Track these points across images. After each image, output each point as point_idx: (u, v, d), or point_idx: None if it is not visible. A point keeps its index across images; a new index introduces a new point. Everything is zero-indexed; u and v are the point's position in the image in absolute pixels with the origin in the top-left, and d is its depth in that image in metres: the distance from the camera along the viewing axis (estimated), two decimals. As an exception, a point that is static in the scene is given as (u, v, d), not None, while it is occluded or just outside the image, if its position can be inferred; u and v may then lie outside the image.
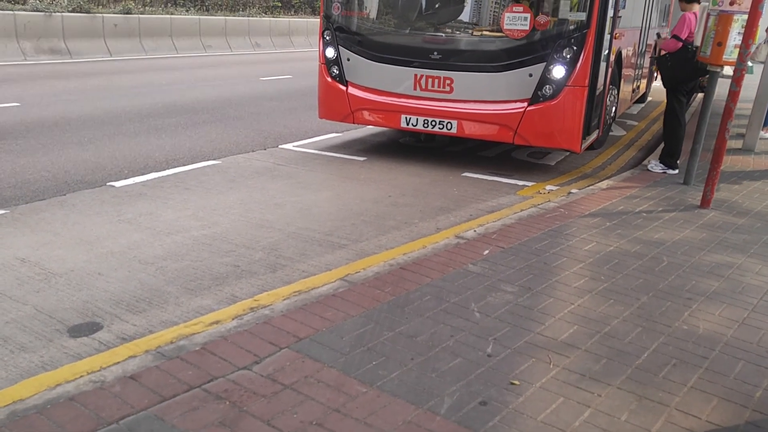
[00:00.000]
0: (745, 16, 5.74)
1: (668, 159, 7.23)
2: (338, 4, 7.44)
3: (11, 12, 14.65)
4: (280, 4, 25.42)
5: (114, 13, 17.18)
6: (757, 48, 9.22)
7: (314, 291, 3.76)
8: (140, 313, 3.63)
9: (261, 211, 5.49)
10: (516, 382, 2.90)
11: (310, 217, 5.38)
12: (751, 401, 2.87)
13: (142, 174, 6.36)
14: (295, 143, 8.11)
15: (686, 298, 3.92)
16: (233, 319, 3.44)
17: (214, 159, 7.07)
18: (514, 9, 6.59)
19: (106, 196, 5.66)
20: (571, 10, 6.52)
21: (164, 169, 6.56)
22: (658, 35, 10.80)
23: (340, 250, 4.71)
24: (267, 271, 4.26)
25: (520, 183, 6.83)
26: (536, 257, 4.41)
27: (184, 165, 6.76)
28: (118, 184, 6.02)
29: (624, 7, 8.12)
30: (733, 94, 5.55)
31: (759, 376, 3.08)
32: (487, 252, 4.46)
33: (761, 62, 8.93)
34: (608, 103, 8.12)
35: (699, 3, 7.20)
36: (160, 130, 8.27)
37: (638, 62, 10.82)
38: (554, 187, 6.69)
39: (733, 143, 8.99)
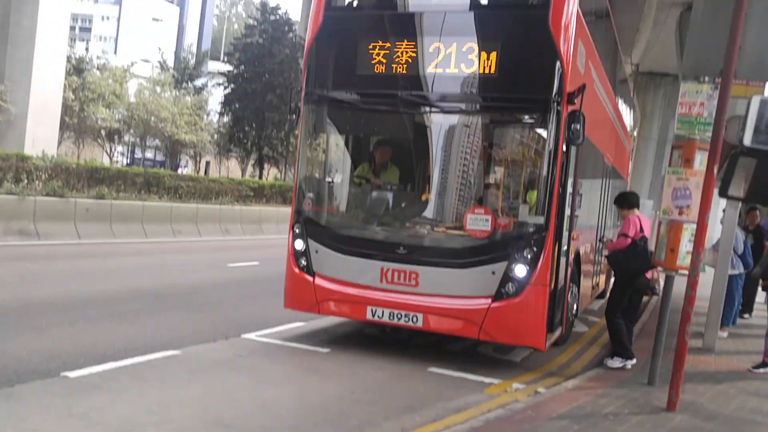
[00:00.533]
0: (694, 226, 6.08)
1: (622, 352, 7.39)
2: (309, 200, 7.73)
3: (-16, 194, 14.87)
4: (252, 194, 26.29)
5: (87, 198, 17.53)
6: (706, 252, 9.67)
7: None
8: None
9: (218, 407, 5.28)
10: None
11: (270, 415, 5.19)
12: None
13: (99, 363, 6.15)
14: (258, 332, 8.00)
15: None
16: None
17: (174, 349, 6.91)
18: (476, 211, 6.91)
19: (57, 388, 5.42)
20: (530, 214, 6.87)
21: (122, 359, 6.36)
22: (602, 240, 11.13)
23: (300, 451, 4.50)
24: (221, 476, 4.02)
25: (487, 380, 6.75)
26: (504, 463, 4.26)
27: (143, 354, 6.57)
28: (72, 374, 5.79)
29: (580, 207, 8.59)
30: (689, 298, 5.73)
31: None
32: (453, 457, 4.29)
33: (711, 266, 9.32)
34: (570, 300, 8.29)
35: (638, 207, 7.78)
36: (122, 316, 8.14)
37: (596, 259, 11.23)
38: (521, 386, 6.61)
39: (693, 342, 9.09)
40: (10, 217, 15.15)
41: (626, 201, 8.00)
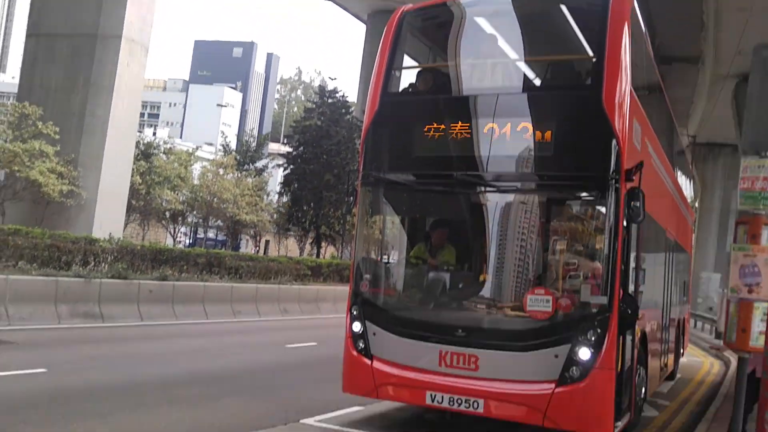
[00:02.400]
0: (766, 304, 5.84)
1: None
2: (366, 282, 7.74)
3: (54, 278, 15.42)
4: (310, 273, 26.53)
5: (150, 280, 17.98)
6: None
7: None
8: None
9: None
10: None
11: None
12: None
13: (159, 452, 6.17)
14: (317, 417, 7.91)
15: None
16: None
17: (233, 436, 6.89)
18: (536, 291, 6.79)
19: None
20: (592, 294, 6.70)
21: (181, 448, 6.37)
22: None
23: None
24: None
25: (552, 471, 6.46)
26: None
27: (202, 442, 6.57)
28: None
29: (644, 284, 8.34)
30: (766, 382, 5.43)
31: None
32: None
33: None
34: (637, 383, 7.96)
35: None
36: (182, 402, 8.19)
37: (664, 339, 10.81)
38: (589, 477, 6.30)
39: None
40: (76, 299, 15.61)
41: None
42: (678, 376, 13.49)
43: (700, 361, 17.13)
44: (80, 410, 7.39)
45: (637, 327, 7.70)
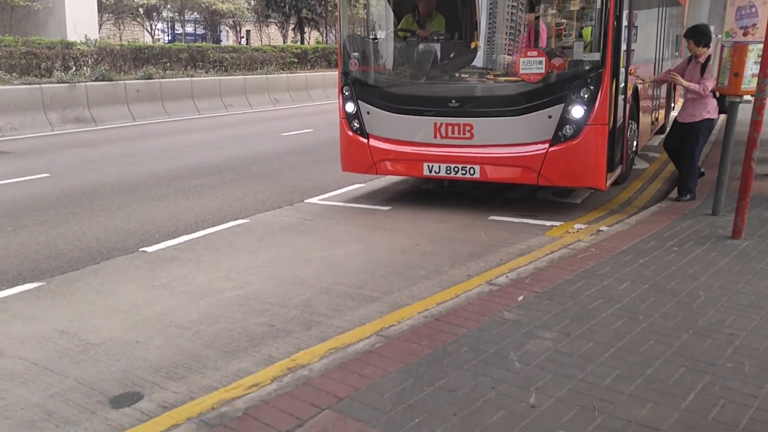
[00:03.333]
0: (761, 46, 5.76)
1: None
2: (355, 60, 7.59)
3: (38, 86, 15.12)
4: (296, 60, 25.95)
5: (136, 79, 17.65)
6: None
7: (350, 348, 3.75)
8: (180, 380, 3.64)
9: (291, 268, 5.53)
10: (562, 432, 2.86)
11: (340, 272, 5.41)
12: (806, 440, 2.79)
13: (173, 237, 6.45)
14: (320, 197, 8.19)
15: (728, 334, 3.85)
16: (272, 381, 3.44)
17: (242, 218, 7.16)
18: (528, 53, 6.67)
19: (139, 262, 5.74)
20: (585, 51, 6.59)
21: (194, 232, 6.65)
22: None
23: (372, 303, 4.72)
24: (302, 329, 4.28)
25: (548, 223, 6.81)
26: (572, 300, 4.38)
27: (213, 226, 6.85)
28: (150, 249, 6.11)
29: (636, 41, 8.19)
30: (756, 123, 5.53)
31: (812, 412, 3.00)
32: (521, 298, 4.43)
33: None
34: (629, 137, 8.12)
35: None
36: (187, 193, 8.41)
37: (655, 94, 10.84)
38: (583, 226, 6.66)
39: (758, 169, 8.89)
40: (64, 105, 15.46)
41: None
42: (668, 129, 13.71)
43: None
44: (88, 208, 7.62)
45: (629, 82, 7.69)
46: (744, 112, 6.90)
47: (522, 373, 3.38)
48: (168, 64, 20.70)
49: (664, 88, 11.78)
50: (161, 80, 18.03)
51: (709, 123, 7.28)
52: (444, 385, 3.27)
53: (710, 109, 7.13)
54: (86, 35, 20.42)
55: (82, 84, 15.99)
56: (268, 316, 4.49)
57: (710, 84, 6.90)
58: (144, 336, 4.24)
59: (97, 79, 16.66)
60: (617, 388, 3.22)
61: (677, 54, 14.21)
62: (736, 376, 3.34)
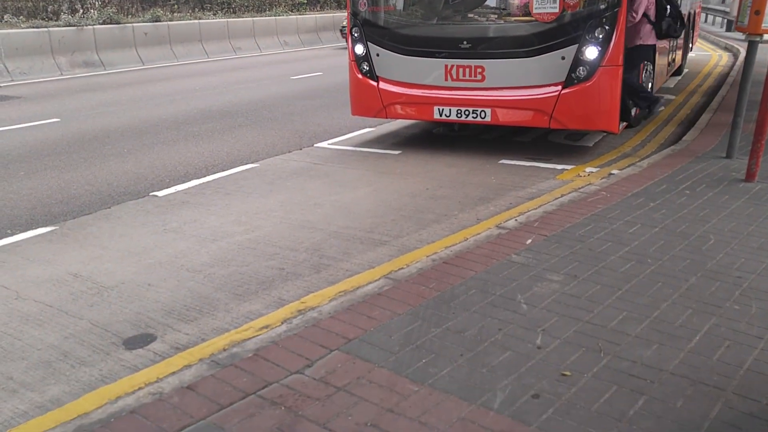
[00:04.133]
0: (783, -18, 5.59)
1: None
2: (365, 1, 7.44)
3: (45, 29, 14.98)
4: (305, 1, 25.49)
5: (143, 22, 17.46)
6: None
7: (359, 290, 3.79)
8: (192, 322, 3.70)
9: (301, 212, 5.54)
10: (567, 372, 2.89)
11: (349, 216, 5.42)
12: (810, 381, 2.82)
13: (183, 182, 6.47)
14: (330, 141, 8.15)
15: (736, 276, 3.85)
16: (282, 323, 3.49)
17: (251, 162, 7.16)
18: (542, -8, 6.50)
19: (149, 206, 5.78)
20: (600, -11, 6.41)
21: (204, 176, 6.66)
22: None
23: (381, 246, 4.74)
24: (312, 272, 4.31)
25: (559, 167, 6.76)
26: (580, 244, 4.38)
27: (223, 170, 6.86)
28: (160, 193, 6.14)
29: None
30: (774, 63, 5.40)
31: (817, 354, 3.02)
32: (530, 241, 4.44)
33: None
34: (644, 79, 7.98)
35: None
36: (197, 137, 8.40)
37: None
38: (594, 169, 6.61)
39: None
40: (73, 49, 15.36)
41: None
42: (685, 71, 13.47)
43: (708, 55, 16.98)
44: (99, 153, 7.64)
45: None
46: (763, 52, 6.76)
47: (529, 315, 3.41)
48: (176, 6, 20.42)
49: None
50: (169, 23, 17.82)
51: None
52: (451, 326, 3.31)
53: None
54: (92, -23, 20.11)
55: (90, 27, 15.84)
56: (278, 260, 4.53)
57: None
58: (156, 279, 4.30)
59: (104, 22, 16.49)
60: (623, 330, 3.24)
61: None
62: (742, 318, 3.35)
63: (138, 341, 3.52)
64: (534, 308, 3.48)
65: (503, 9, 7.34)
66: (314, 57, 18.72)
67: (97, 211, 5.69)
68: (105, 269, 4.48)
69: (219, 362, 3.06)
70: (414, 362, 2.99)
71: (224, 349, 3.23)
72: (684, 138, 7.49)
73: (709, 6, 26.33)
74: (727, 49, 18.31)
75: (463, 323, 3.34)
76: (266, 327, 3.52)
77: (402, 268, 4.14)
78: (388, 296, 3.65)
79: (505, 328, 3.28)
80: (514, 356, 3.03)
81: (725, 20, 23.76)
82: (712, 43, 20.27)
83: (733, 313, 3.41)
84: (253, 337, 3.35)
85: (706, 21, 26.30)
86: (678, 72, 12.78)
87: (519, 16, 7.01)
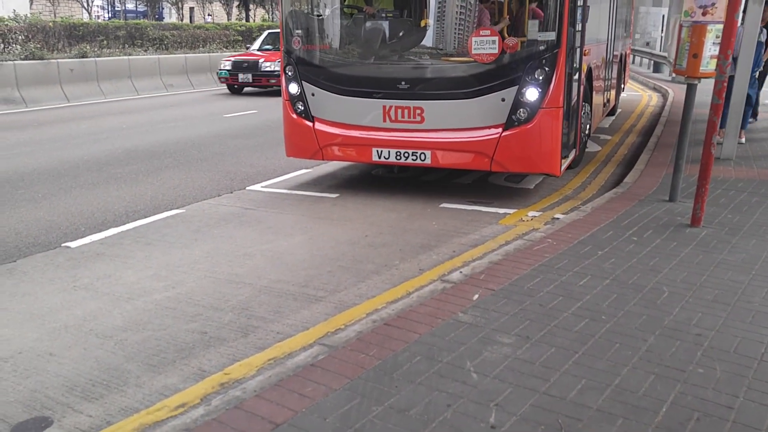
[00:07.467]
0: (720, 26, 5.55)
1: None
2: (298, 39, 7.13)
3: (-39, 63, 14.17)
4: (241, 38, 25.15)
5: (69, 58, 16.75)
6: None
7: (290, 360, 3.37)
8: (96, 400, 3.22)
9: (229, 264, 5.10)
10: (526, 458, 2.55)
11: (282, 267, 5.01)
12: (790, 459, 2.55)
13: (100, 231, 5.94)
14: (263, 183, 7.75)
15: (695, 334, 3.61)
16: (201, 401, 3.05)
17: (177, 208, 6.68)
18: (481, 33, 6.32)
19: (60, 259, 5.23)
20: (540, 30, 6.28)
21: (124, 224, 6.14)
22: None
23: (317, 303, 4.35)
24: (238, 336, 3.88)
25: (501, 211, 6.53)
26: (530, 298, 4.08)
27: (145, 217, 6.35)
28: (73, 244, 5.59)
29: (587, 21, 7.93)
30: (716, 107, 5.32)
31: (792, 425, 2.77)
32: (476, 297, 4.12)
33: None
34: (582, 120, 7.89)
35: None
36: (119, 180, 7.86)
37: (607, 75, 10.67)
38: (537, 213, 6.40)
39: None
40: (-9, 85, 14.55)
41: None
42: (618, 110, 13.64)
43: (639, 95, 17.35)
44: (10, 198, 7.02)
45: (583, 63, 7.44)
46: (700, 95, 6.75)
47: (480, 386, 3.06)
48: (105, 42, 19.75)
49: (615, 67, 11.64)
50: (97, 59, 17.17)
51: None
52: (394, 403, 2.93)
53: None
54: (15, 10, 19.32)
55: (10, 63, 15.07)
56: (201, 321, 4.08)
57: None
58: (59, 347, 3.78)
59: (26, 58, 15.74)
60: (584, 402, 2.93)
61: (627, 34, 14.12)
62: (708, 384, 3.09)
63: (30, 427, 3.01)
64: (485, 378, 3.14)
65: (442, 49, 7.14)
66: (249, 95, 18.29)
67: (1, 265, 5.12)
68: (1, 336, 3.94)
69: (122, 457, 2.60)
70: (352, 450, 2.60)
71: (131, 438, 2.77)
72: (625, 180, 7.39)
73: (635, 47, 27.23)
74: (656, 89, 18.79)
75: (407, 399, 2.96)
76: (183, 405, 3.07)
77: (339, 329, 3.76)
78: (323, 367, 3.25)
79: (455, 404, 2.92)
80: (466, 439, 2.67)
81: (652, 62, 24.56)
82: (642, 83, 20.81)
83: (698, 377, 3.14)
84: (167, 419, 2.91)
85: (634, 62, 27.10)
86: (612, 112, 12.92)
87: (458, 56, 6.82)
